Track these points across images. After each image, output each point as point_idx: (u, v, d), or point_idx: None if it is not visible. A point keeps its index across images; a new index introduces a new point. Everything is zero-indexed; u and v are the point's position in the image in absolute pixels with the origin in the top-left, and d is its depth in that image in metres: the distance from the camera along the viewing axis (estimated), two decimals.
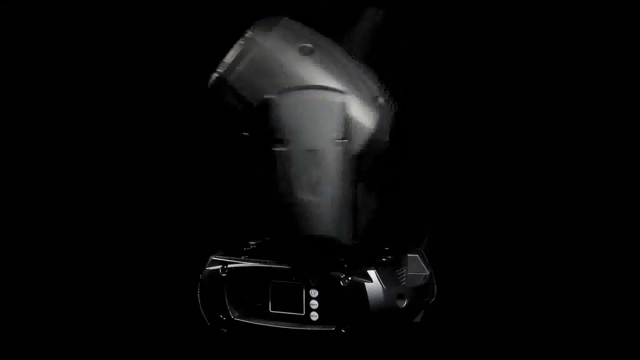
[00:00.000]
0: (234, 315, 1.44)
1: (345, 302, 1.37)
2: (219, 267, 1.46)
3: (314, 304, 1.41)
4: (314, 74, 1.37)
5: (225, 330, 1.47)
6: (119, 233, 1.79)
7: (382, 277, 1.38)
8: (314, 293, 1.41)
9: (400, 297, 1.39)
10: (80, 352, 1.60)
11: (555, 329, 1.51)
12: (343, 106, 1.33)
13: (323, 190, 1.34)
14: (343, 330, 1.38)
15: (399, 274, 1.43)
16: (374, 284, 1.37)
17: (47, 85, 1.81)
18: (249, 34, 1.40)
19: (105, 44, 1.79)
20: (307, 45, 1.40)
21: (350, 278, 1.37)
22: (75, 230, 1.80)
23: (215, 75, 1.40)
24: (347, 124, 1.33)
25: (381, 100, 1.36)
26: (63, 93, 1.81)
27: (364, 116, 1.35)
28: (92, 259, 1.78)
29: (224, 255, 1.47)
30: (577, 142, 1.59)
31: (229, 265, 1.45)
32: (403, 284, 1.41)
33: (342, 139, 1.32)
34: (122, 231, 1.79)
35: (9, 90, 1.81)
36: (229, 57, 1.40)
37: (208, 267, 1.47)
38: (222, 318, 1.45)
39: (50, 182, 1.81)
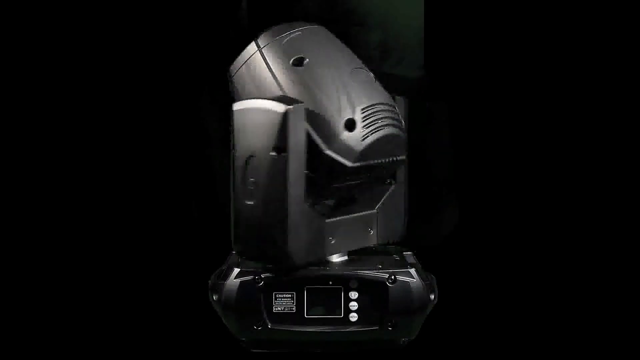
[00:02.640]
0: (270, 324, 1.45)
1: (391, 301, 1.45)
2: (250, 277, 1.45)
3: (354, 305, 1.46)
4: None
5: (245, 339, 1.47)
6: (119, 233, 1.78)
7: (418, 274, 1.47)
8: (353, 295, 1.46)
9: (432, 291, 1.49)
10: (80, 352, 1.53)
11: (555, 330, 1.59)
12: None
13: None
14: (390, 328, 1.45)
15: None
16: (416, 282, 1.46)
17: (47, 85, 1.69)
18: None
19: (105, 43, 1.68)
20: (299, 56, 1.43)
21: (394, 277, 1.45)
22: (75, 230, 1.78)
23: None
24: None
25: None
26: (64, 93, 1.69)
27: None
28: (92, 259, 1.77)
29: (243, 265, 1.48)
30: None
31: (263, 275, 1.45)
32: (430, 280, 1.51)
33: None
34: (122, 232, 1.78)
35: (8, 90, 1.69)
36: None
37: (236, 277, 1.46)
38: (257, 328, 1.45)
39: (51, 182, 1.78)
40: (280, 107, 1.36)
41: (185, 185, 1.82)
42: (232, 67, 1.47)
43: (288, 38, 1.44)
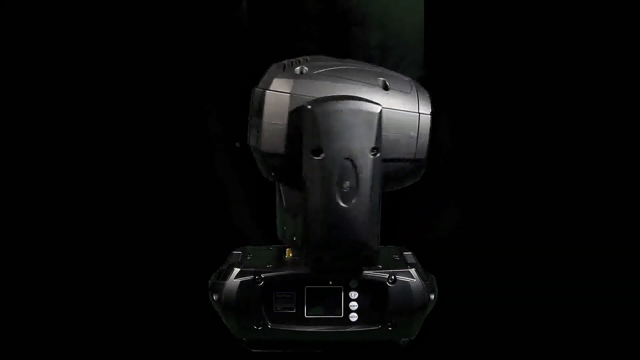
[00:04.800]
0: (270, 324, 1.45)
1: (391, 301, 1.45)
2: (250, 277, 1.45)
3: (354, 305, 1.46)
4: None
5: (245, 339, 1.48)
6: (119, 234, 1.78)
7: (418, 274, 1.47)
8: (353, 295, 1.46)
9: (432, 291, 1.49)
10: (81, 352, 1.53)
11: (555, 330, 1.59)
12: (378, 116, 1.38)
13: (358, 198, 1.39)
14: (390, 328, 1.45)
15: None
16: (416, 282, 1.46)
17: (51, 87, 1.71)
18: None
19: (106, 46, 1.69)
20: None
21: (394, 277, 1.45)
22: (76, 230, 1.79)
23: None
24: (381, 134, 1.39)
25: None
26: (65, 94, 1.70)
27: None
28: (92, 259, 1.77)
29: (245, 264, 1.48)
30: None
31: (263, 275, 1.45)
32: (430, 280, 1.51)
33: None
34: (123, 232, 1.78)
35: (9, 90, 1.69)
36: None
37: (236, 277, 1.46)
38: (257, 327, 1.45)
39: (51, 182, 1.79)
40: (375, 108, 1.36)
41: (185, 185, 1.82)
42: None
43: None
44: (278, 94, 1.39)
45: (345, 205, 1.37)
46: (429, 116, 1.41)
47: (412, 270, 1.47)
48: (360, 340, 1.47)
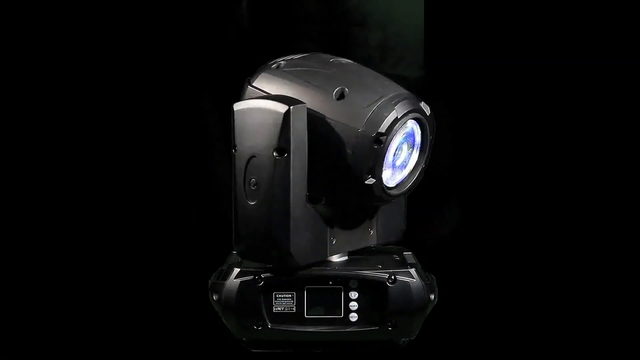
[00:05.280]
0: (270, 324, 1.45)
1: (391, 301, 1.45)
2: (250, 277, 1.46)
3: (354, 305, 1.46)
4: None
5: (245, 339, 1.48)
6: (119, 233, 1.79)
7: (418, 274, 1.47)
8: (353, 295, 1.46)
9: (432, 291, 1.49)
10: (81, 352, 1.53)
11: (555, 330, 1.59)
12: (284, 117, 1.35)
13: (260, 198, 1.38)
14: (390, 328, 1.45)
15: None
16: (416, 282, 1.46)
17: (47, 85, 1.70)
18: None
19: (104, 45, 1.69)
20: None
21: (394, 277, 1.45)
22: (75, 230, 1.80)
23: None
24: None
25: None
26: (63, 94, 1.70)
27: None
28: (92, 259, 1.77)
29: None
30: None
31: (263, 275, 1.45)
32: (430, 280, 1.51)
33: None
34: (123, 232, 1.79)
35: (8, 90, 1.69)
36: None
37: (236, 277, 1.46)
38: (257, 327, 1.45)
39: (51, 182, 1.79)
40: (282, 107, 1.35)
41: (185, 185, 1.82)
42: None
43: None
44: (250, 89, 1.44)
45: (251, 203, 1.39)
46: (370, 136, 1.34)
47: (412, 270, 1.46)
48: (360, 340, 1.47)
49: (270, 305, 1.46)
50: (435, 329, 1.52)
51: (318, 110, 1.37)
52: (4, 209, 1.78)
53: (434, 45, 1.77)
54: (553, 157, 1.78)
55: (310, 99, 1.38)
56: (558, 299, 1.68)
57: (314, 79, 1.40)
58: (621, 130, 1.78)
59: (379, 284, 1.45)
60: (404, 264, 1.49)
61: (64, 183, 1.80)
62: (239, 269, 1.46)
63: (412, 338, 1.49)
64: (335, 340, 1.47)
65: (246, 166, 1.39)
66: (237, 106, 1.40)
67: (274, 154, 1.36)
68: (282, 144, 1.35)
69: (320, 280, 1.46)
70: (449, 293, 1.55)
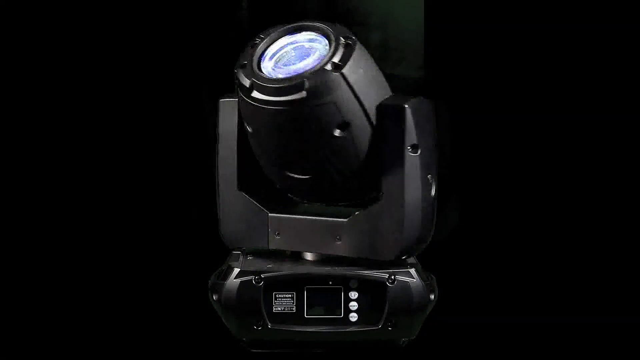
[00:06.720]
0: (270, 324, 1.45)
1: (391, 301, 1.45)
2: (250, 277, 1.46)
3: (354, 305, 1.47)
4: None
5: (245, 339, 1.48)
6: (119, 233, 1.79)
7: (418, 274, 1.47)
8: (353, 295, 1.47)
9: (432, 291, 1.49)
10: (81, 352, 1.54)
11: (556, 330, 1.59)
12: None
13: None
14: (390, 328, 1.45)
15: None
16: (416, 282, 1.46)
17: (46, 82, 1.71)
18: None
19: (104, 43, 1.69)
20: None
21: (394, 277, 1.45)
22: (74, 230, 1.79)
23: None
24: None
25: None
26: (61, 92, 1.70)
27: None
28: (91, 259, 1.77)
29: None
30: None
31: (263, 275, 1.45)
32: (430, 280, 1.51)
33: None
34: (122, 231, 1.79)
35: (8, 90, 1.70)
36: None
37: (236, 277, 1.46)
38: (257, 327, 1.45)
39: (50, 181, 1.79)
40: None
41: (185, 185, 1.82)
42: None
43: None
44: None
45: None
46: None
47: (412, 270, 1.46)
48: (360, 340, 1.47)
49: (270, 305, 1.46)
50: (436, 329, 1.52)
51: None
52: (3, 209, 1.78)
53: (434, 46, 1.77)
54: (554, 157, 1.77)
55: None
56: (558, 299, 1.68)
57: None
58: (621, 129, 1.78)
59: (379, 284, 1.45)
60: (404, 264, 1.49)
61: (64, 183, 1.80)
62: (239, 269, 1.46)
63: (412, 338, 1.49)
64: (335, 340, 1.47)
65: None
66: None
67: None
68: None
69: (320, 280, 1.47)
70: (449, 293, 1.55)
